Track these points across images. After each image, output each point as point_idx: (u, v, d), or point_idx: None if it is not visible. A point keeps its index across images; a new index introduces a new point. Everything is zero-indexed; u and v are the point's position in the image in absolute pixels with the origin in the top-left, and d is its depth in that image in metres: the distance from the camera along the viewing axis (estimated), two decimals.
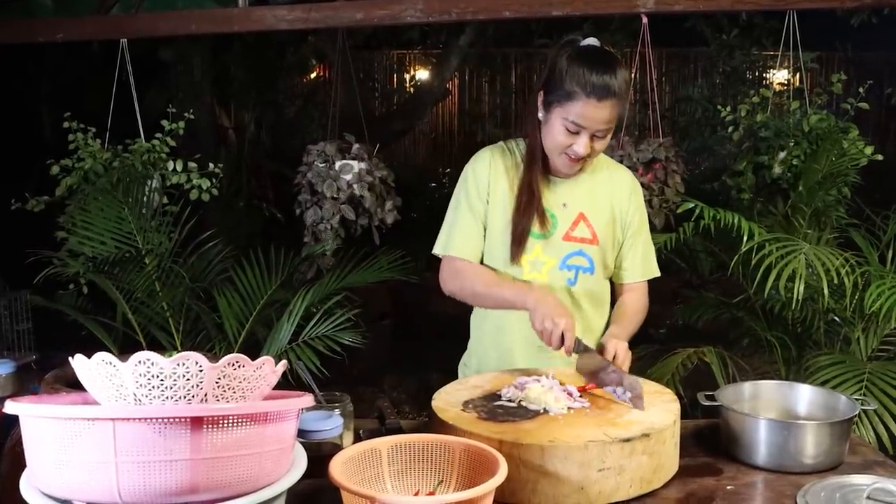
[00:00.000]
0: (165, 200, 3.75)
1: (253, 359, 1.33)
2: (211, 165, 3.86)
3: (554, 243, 2.21)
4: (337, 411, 1.84)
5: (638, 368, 2.93)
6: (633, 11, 3.56)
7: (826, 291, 3.02)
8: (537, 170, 2.20)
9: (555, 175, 2.23)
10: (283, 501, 1.38)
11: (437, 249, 2.29)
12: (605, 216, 2.25)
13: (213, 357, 1.32)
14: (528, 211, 2.18)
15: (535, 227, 2.20)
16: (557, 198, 2.23)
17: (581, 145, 2.09)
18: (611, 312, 2.34)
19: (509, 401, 1.86)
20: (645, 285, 2.35)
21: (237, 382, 1.30)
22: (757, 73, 8.00)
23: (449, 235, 2.27)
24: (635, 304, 2.31)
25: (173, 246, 3.53)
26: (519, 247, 2.19)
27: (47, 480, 1.26)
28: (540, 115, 2.16)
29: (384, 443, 1.54)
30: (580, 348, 1.98)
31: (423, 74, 9.61)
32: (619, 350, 2.00)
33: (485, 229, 2.25)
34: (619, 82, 2.05)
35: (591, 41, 2.14)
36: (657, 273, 2.36)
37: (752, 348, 3.90)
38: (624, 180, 2.30)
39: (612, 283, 2.36)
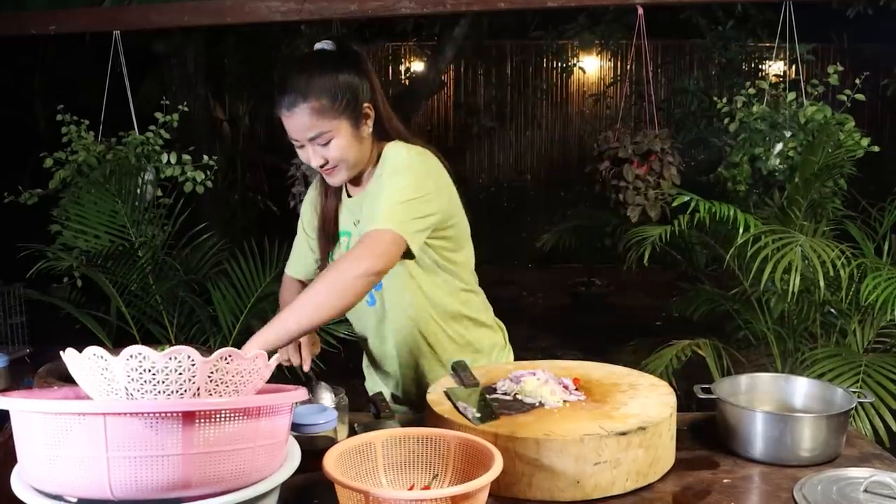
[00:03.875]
0: (159, 193, 3.73)
1: None
2: (205, 158, 3.83)
3: None
4: (331, 405, 1.84)
5: (632, 361, 2.95)
6: (628, 2, 3.55)
7: (822, 284, 3.02)
8: (330, 192, 2.14)
9: (347, 192, 2.13)
10: (276, 496, 1.37)
11: None
12: None
13: (207, 351, 1.31)
14: (320, 235, 2.17)
15: (335, 254, 2.15)
16: (352, 216, 2.12)
17: (307, 157, 1.95)
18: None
19: (505, 394, 1.85)
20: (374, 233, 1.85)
21: (230, 376, 1.29)
22: (753, 65, 7.99)
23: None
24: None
25: (167, 239, 3.52)
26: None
27: (38, 476, 1.25)
28: None
29: (379, 436, 1.53)
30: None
31: (417, 66, 9.57)
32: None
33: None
34: (304, 86, 1.86)
35: (320, 45, 1.99)
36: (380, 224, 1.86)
37: (748, 341, 3.90)
38: (383, 166, 2.01)
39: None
